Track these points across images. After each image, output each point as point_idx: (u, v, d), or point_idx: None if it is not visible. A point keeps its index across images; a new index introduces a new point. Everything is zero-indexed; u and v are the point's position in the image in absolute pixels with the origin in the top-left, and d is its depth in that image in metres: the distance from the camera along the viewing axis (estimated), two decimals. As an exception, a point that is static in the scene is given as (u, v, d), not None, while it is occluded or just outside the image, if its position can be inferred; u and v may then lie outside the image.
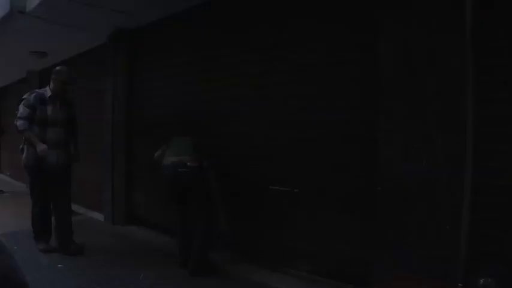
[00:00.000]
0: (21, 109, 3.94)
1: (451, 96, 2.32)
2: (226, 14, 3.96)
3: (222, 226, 3.62)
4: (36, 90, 4.15)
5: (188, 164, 3.44)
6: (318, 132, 3.25)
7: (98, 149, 5.78)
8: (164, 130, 4.23)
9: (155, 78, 4.96)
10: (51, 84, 4.04)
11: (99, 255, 3.88)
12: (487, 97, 2.19)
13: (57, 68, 4.14)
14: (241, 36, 3.85)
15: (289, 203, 3.42)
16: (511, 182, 2.11)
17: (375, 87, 2.73)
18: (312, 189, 3.28)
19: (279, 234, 3.47)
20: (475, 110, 2.20)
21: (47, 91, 4.03)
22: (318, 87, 3.26)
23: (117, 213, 5.24)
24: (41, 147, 3.81)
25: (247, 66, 3.81)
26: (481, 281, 2.10)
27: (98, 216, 5.63)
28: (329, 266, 3.13)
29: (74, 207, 6.38)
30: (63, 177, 4.05)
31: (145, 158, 4.99)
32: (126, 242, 4.50)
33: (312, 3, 3.31)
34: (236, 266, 3.58)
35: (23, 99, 4.02)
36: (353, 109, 3.06)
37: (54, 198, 4.05)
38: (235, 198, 3.71)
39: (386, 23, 2.66)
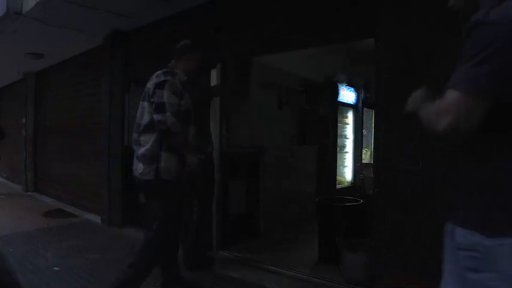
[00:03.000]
0: (167, 97, 2.53)
1: (449, 95, 2.32)
2: (226, 13, 3.95)
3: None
4: (164, 70, 2.75)
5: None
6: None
7: (94, 150, 5.76)
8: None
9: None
10: (179, 64, 2.80)
11: (96, 257, 3.86)
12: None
13: (185, 42, 2.89)
14: (241, 36, 3.84)
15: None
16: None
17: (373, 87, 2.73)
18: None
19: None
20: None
21: (179, 73, 2.75)
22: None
23: (114, 215, 5.21)
24: (192, 159, 2.68)
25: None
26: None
27: (95, 218, 5.60)
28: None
29: (70, 209, 6.38)
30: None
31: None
32: (123, 244, 4.47)
33: (311, 2, 3.30)
34: (233, 266, 3.57)
35: (164, 81, 2.60)
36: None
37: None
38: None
39: (384, 21, 2.66)
